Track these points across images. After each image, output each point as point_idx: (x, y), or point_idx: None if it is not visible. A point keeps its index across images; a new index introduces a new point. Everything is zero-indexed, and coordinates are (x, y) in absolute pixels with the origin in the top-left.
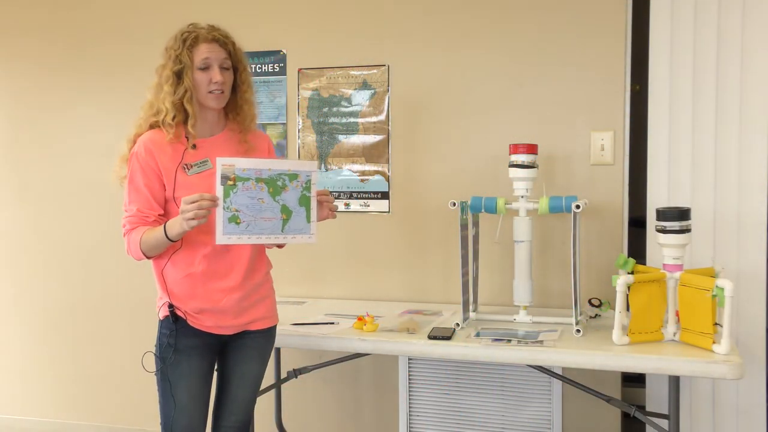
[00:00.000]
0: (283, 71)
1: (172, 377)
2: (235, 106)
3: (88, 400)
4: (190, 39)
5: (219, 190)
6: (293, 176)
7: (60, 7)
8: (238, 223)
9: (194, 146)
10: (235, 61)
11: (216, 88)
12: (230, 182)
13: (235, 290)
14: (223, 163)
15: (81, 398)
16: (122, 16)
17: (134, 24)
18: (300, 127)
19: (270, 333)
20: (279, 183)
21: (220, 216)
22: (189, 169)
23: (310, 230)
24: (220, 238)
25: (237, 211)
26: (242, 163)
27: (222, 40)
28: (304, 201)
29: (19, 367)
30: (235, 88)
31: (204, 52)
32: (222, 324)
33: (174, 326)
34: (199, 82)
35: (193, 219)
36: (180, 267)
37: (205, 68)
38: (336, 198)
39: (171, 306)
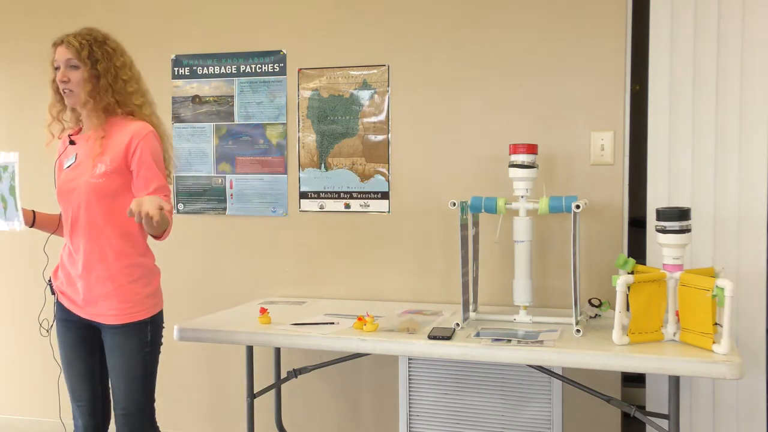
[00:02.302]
0: (283, 71)
1: (56, 344)
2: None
3: None
4: (52, 47)
5: None
6: (4, 167)
7: (60, 14)
8: None
9: (72, 143)
10: (92, 59)
11: (62, 87)
12: None
13: (79, 279)
14: None
15: None
16: (121, 18)
17: (132, 26)
18: (300, 127)
19: (125, 330)
20: None
21: None
22: (65, 164)
23: (18, 218)
24: None
25: None
26: None
27: (67, 41)
28: (12, 191)
29: (19, 367)
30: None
31: (54, 55)
32: (74, 308)
33: (54, 297)
34: (57, 83)
35: None
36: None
37: (56, 69)
38: (336, 198)
39: (50, 280)
